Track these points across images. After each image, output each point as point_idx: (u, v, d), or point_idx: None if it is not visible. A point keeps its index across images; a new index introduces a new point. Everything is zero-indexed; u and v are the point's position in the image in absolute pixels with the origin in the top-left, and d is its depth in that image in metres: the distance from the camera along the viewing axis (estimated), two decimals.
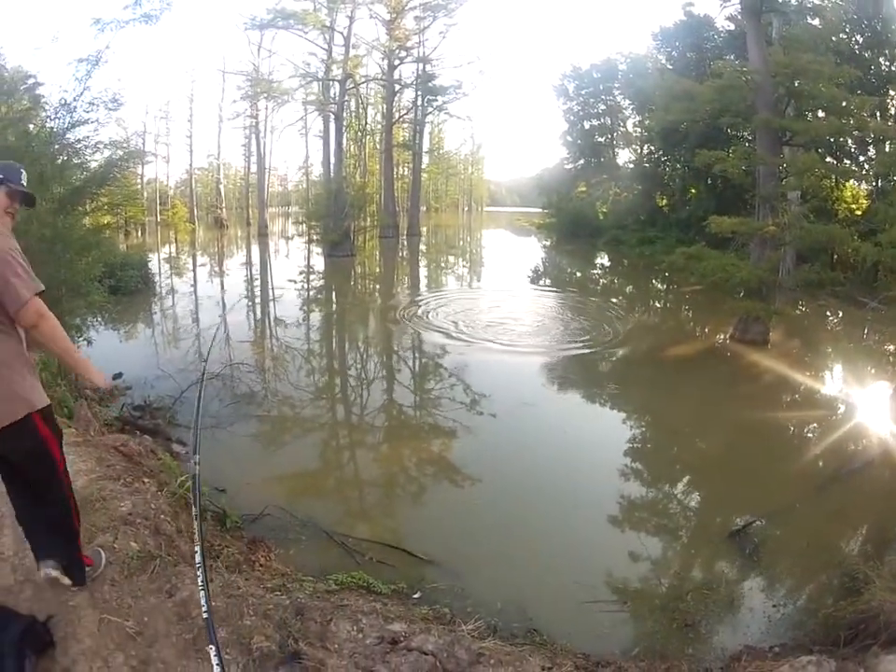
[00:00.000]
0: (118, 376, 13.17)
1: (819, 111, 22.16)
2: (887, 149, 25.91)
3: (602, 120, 57.14)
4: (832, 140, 24.01)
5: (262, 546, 7.45)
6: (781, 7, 21.31)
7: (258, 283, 33.02)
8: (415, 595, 7.06)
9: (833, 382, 17.60)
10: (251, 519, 8.20)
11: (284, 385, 14.68)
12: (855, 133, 23.48)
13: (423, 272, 39.48)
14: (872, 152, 30.51)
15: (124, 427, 10.38)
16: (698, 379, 16.87)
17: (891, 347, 18.21)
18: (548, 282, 35.32)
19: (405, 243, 52.66)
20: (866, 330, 22.38)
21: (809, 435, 13.95)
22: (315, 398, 14.39)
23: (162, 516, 5.94)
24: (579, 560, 8.22)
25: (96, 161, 12.79)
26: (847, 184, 31.65)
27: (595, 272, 42.51)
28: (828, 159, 27.55)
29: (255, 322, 22.68)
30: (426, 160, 66.64)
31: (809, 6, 24.47)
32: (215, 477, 9.23)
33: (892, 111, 29.28)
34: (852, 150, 30.60)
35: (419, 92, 53.79)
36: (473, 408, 13.67)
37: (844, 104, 19.42)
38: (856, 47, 31.57)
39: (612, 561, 8.25)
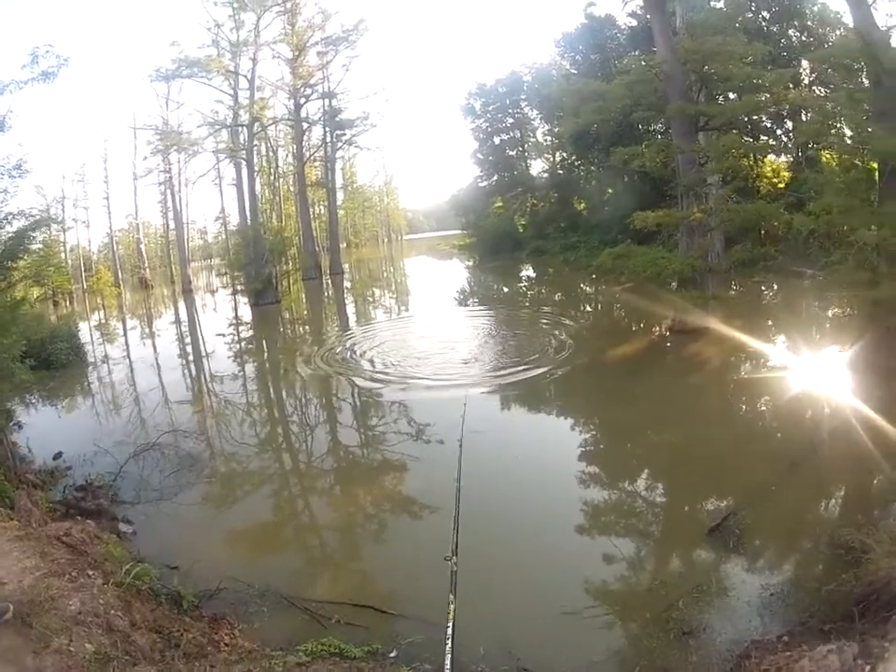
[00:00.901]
0: (57, 456, 12.62)
1: (731, 92, 22.44)
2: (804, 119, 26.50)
3: (511, 134, 57.61)
4: (746, 119, 24.27)
5: (225, 623, 6.86)
6: None
7: (188, 341, 32.03)
8: (392, 654, 6.59)
9: (782, 356, 17.46)
10: (208, 595, 7.55)
11: (224, 445, 14.04)
12: (772, 108, 23.72)
13: (350, 309, 38.96)
14: (789, 125, 31.30)
15: (68, 510, 9.68)
16: (647, 377, 16.59)
17: (835, 312, 18.10)
18: (476, 301, 35.35)
19: (329, 282, 52.11)
20: (807, 300, 22.65)
21: (769, 413, 13.98)
22: (257, 454, 13.73)
23: (113, 611, 5.36)
24: (557, 584, 7.84)
25: (6, 233, 12.15)
26: (766, 160, 32.17)
27: (522, 284, 42.57)
28: (744, 139, 27.87)
29: (190, 381, 21.93)
30: (340, 196, 66.60)
31: None
32: (165, 553, 8.67)
33: (806, 81, 29.91)
34: (768, 126, 31.20)
35: (327, 128, 53.53)
36: (420, 440, 13.35)
37: (758, 80, 19.58)
38: (763, 23, 32.47)
39: (593, 579, 7.89)
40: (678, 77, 18.96)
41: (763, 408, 14.37)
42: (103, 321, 41.63)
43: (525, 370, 17.11)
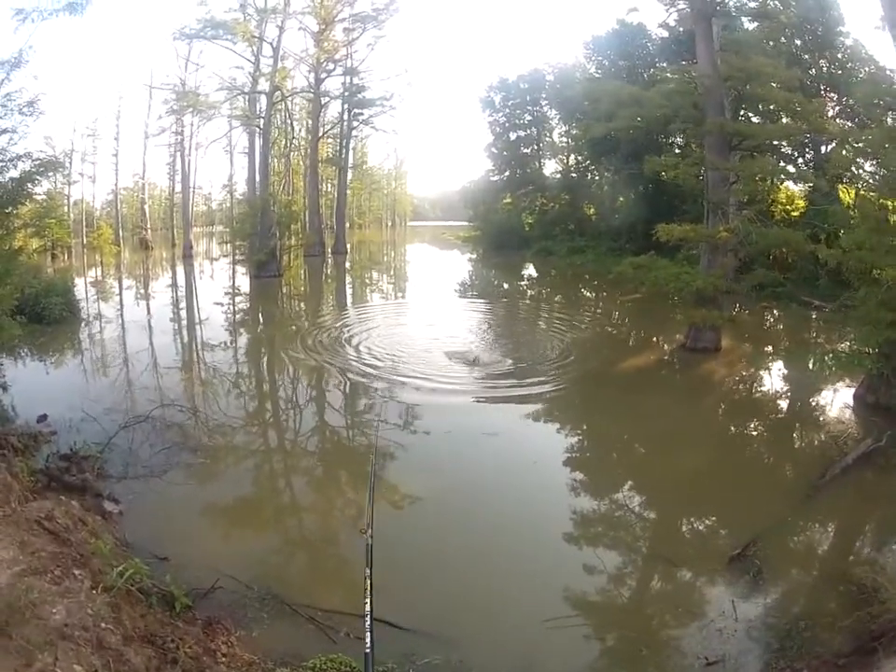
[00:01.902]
0: (42, 419, 12.06)
1: (759, 115, 22.15)
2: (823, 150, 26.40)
3: (528, 131, 56.96)
4: (773, 143, 23.97)
5: (221, 629, 6.39)
6: (728, 11, 21.04)
7: (184, 307, 31.42)
8: None
9: (794, 384, 17.43)
10: (202, 595, 7.04)
11: (218, 424, 13.32)
12: (808, 136, 23.46)
13: (352, 291, 38.77)
14: (809, 155, 31.04)
15: (50, 482, 9.07)
16: (658, 394, 16.20)
17: (845, 345, 17.84)
18: (477, 296, 34.84)
19: (331, 260, 51.77)
20: (816, 330, 22.61)
21: (782, 442, 13.73)
22: (252, 435, 13.28)
23: (104, 624, 4.84)
24: (576, 603, 7.57)
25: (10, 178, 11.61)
26: (782, 186, 31.86)
27: (526, 284, 42.45)
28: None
29: (187, 350, 21.45)
30: (350, 175, 65.63)
31: (753, 8, 24.32)
32: (155, 539, 8.17)
33: (830, 113, 29.63)
34: (788, 153, 30.91)
35: (346, 106, 53.15)
36: (419, 433, 13.00)
37: (797, 106, 19.19)
38: (796, 50, 32.01)
39: (616, 605, 7.73)
40: (717, 93, 18.61)
41: (776, 436, 14.10)
42: (100, 278, 40.96)
43: (523, 382, 16.38)
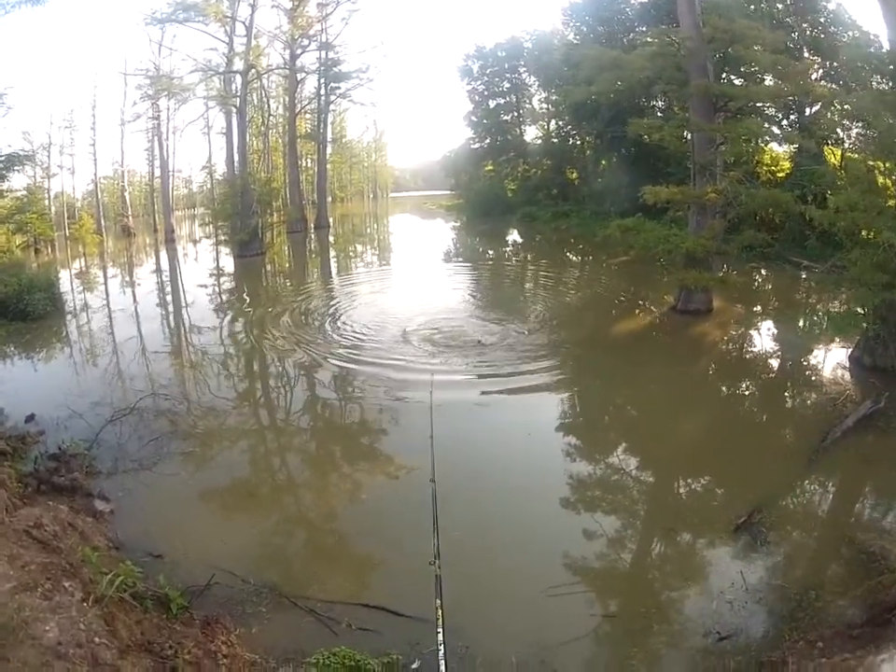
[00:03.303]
0: (30, 419, 11.88)
1: (747, 77, 22.01)
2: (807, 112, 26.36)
3: (507, 98, 56.67)
4: (757, 105, 23.73)
5: (220, 628, 6.26)
6: None
7: (170, 291, 31.24)
8: (414, 666, 6.11)
9: (788, 346, 17.32)
10: (198, 592, 6.90)
11: (207, 411, 13.10)
12: (792, 97, 23.28)
13: (336, 265, 38.41)
14: (793, 116, 30.89)
15: (39, 485, 8.93)
16: (653, 358, 16.18)
17: (837, 305, 17.82)
18: (469, 266, 33.90)
19: (313, 235, 51.19)
20: (806, 290, 22.91)
21: (780, 405, 13.77)
22: (244, 422, 12.98)
23: (97, 638, 4.69)
24: (581, 578, 7.60)
25: None
26: (766, 148, 31.71)
27: (511, 249, 42.35)
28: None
29: (171, 336, 21.15)
30: (329, 149, 65.08)
31: None
32: (147, 536, 8.07)
33: (814, 76, 29.44)
34: (774, 115, 30.73)
35: (322, 80, 52.48)
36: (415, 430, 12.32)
37: (782, 68, 19.01)
38: (778, 13, 31.86)
39: (624, 579, 7.76)
40: (700, 56, 18.41)
41: (775, 399, 14.10)
42: (83, 269, 40.40)
43: (515, 354, 16.13)
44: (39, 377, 16.30)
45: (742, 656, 6.23)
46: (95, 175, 57.01)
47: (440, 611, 4.66)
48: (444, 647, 4.32)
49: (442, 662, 4.11)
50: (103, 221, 55.93)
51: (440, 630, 4.43)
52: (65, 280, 31.94)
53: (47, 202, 51.18)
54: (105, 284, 33.94)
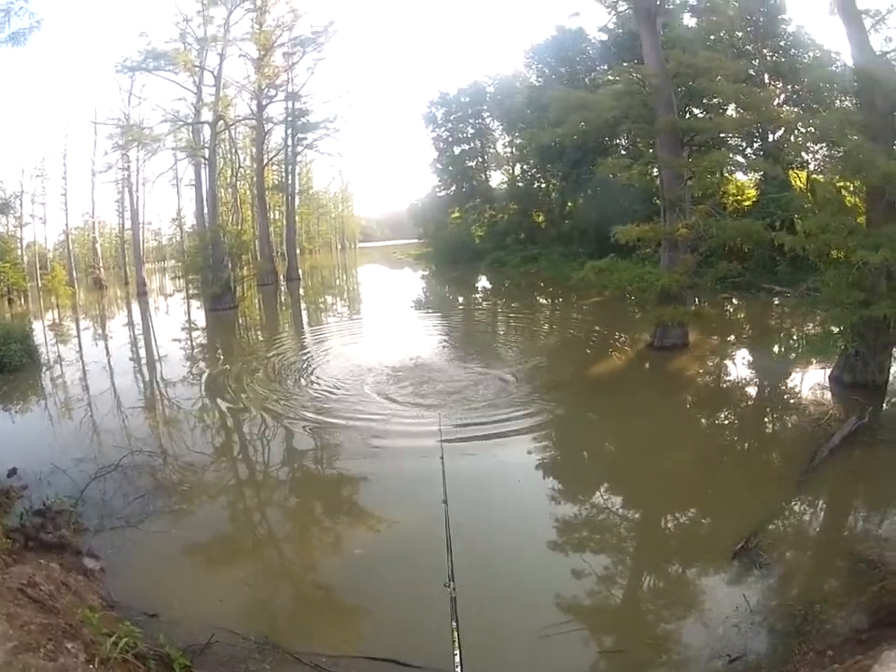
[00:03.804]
0: (12, 472, 11.58)
1: (709, 108, 22.48)
2: (770, 138, 26.91)
3: (472, 144, 57.54)
4: (722, 136, 24.24)
5: None
6: (672, 9, 21.34)
7: (146, 347, 30.52)
8: None
9: (767, 372, 17.51)
10: (198, 650, 6.68)
11: (185, 462, 12.91)
12: (759, 125, 23.81)
13: (305, 319, 38.41)
14: (757, 144, 31.51)
15: (27, 541, 8.66)
16: (635, 396, 16.21)
17: (811, 328, 18.09)
18: (439, 315, 33.95)
19: (284, 288, 51.35)
20: (778, 316, 23.22)
21: (765, 430, 13.94)
22: (228, 477, 12.74)
23: None
24: (582, 615, 7.46)
25: None
26: (731, 177, 32.30)
27: (481, 295, 42.45)
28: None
29: (150, 391, 20.66)
30: (297, 200, 65.47)
31: (693, 4, 24.70)
32: (140, 595, 7.79)
33: (776, 101, 30.12)
34: (738, 144, 31.34)
35: (289, 131, 53.21)
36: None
37: (746, 98, 19.50)
38: (738, 42, 32.63)
39: (625, 615, 7.66)
40: (665, 91, 18.74)
41: (760, 423, 14.29)
42: (57, 321, 40.11)
43: (491, 401, 15.85)
44: (18, 430, 16.03)
45: None
46: (66, 225, 57.37)
47: (455, 633, 4.53)
48: (462, 667, 4.20)
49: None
50: (74, 272, 55.91)
51: (456, 652, 4.30)
52: (39, 332, 31.59)
53: (19, 251, 51.03)
54: (79, 336, 33.66)
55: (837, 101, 17.94)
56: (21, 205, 51.44)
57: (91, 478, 11.16)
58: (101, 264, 59.12)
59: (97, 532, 9.65)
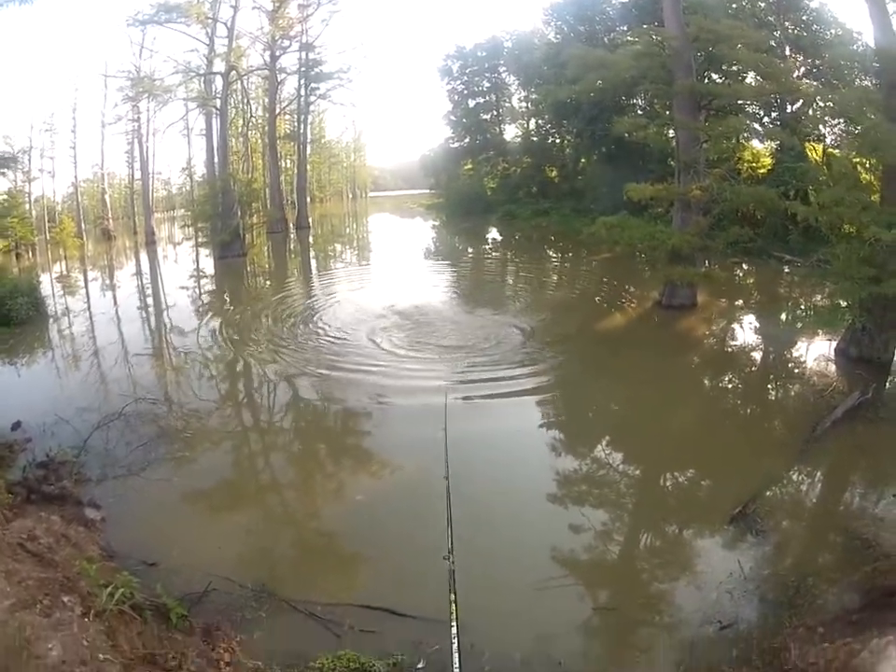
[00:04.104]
0: (16, 426, 11.67)
1: (729, 75, 22.22)
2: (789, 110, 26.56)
3: (487, 98, 56.72)
4: (740, 103, 23.90)
5: (221, 636, 6.18)
6: None
7: (151, 294, 30.42)
8: (419, 666, 6.06)
9: (774, 339, 17.48)
10: (196, 600, 6.79)
11: (193, 413, 12.94)
12: (777, 95, 23.48)
13: (320, 264, 38.18)
14: (774, 114, 31.07)
15: (29, 494, 8.79)
16: (641, 354, 16.14)
17: (820, 299, 18.00)
18: (449, 265, 33.97)
19: (294, 236, 51.10)
20: (789, 284, 23.03)
21: (769, 397, 13.99)
22: (230, 423, 12.86)
23: (101, 655, 4.58)
24: (579, 571, 7.63)
25: None
26: (747, 144, 31.90)
27: (491, 247, 42.22)
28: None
29: (155, 339, 20.85)
30: (309, 150, 64.88)
31: None
32: (140, 543, 7.91)
33: (796, 74, 29.65)
34: (756, 112, 30.90)
35: (302, 81, 52.38)
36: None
37: (767, 68, 19.22)
38: (761, 13, 32.10)
39: (620, 573, 7.83)
40: (685, 55, 18.56)
41: (764, 389, 14.33)
42: (64, 273, 39.78)
43: (500, 352, 16.06)
44: (24, 383, 16.08)
45: (744, 644, 6.29)
46: (75, 178, 56.65)
47: (454, 606, 4.62)
48: (458, 641, 4.24)
49: (456, 655, 4.01)
50: (83, 224, 55.55)
51: (453, 624, 4.37)
52: (47, 284, 31.36)
53: (27, 206, 50.83)
54: (87, 287, 33.57)
55: (857, 79, 17.62)
56: (29, 160, 51.12)
57: (94, 427, 11.18)
58: (110, 215, 58.76)
59: (99, 482, 9.76)
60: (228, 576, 7.17)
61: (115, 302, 27.64)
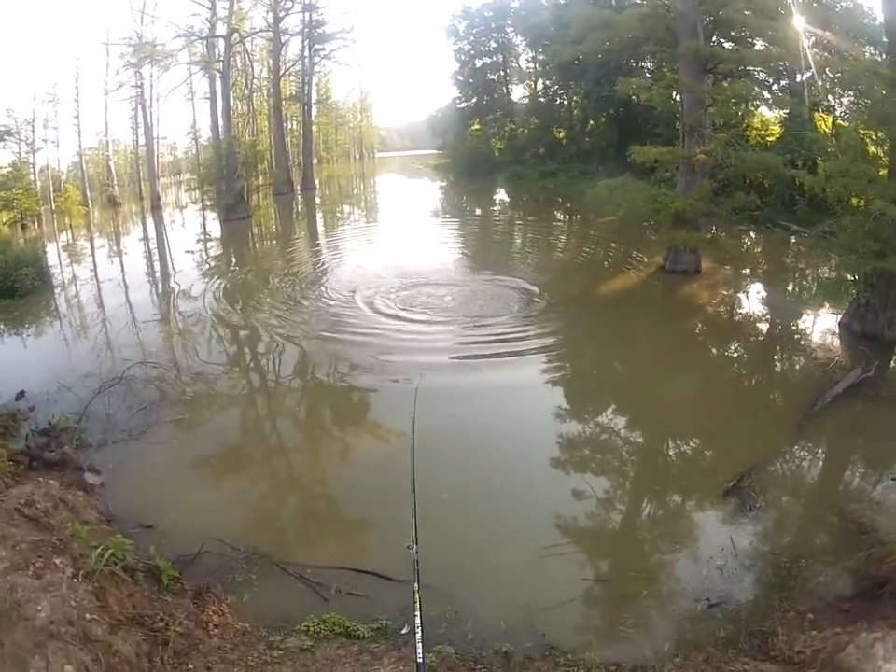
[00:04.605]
0: (20, 396, 11.74)
1: (737, 41, 21.91)
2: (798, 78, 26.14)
3: (494, 58, 56.01)
4: (747, 69, 23.58)
5: (211, 597, 6.28)
6: None
7: (157, 259, 30.46)
8: (403, 631, 6.12)
9: (777, 309, 17.29)
10: (188, 562, 6.94)
11: (195, 377, 13.05)
12: (783, 62, 23.09)
13: (324, 226, 38.43)
14: (784, 82, 30.59)
15: (31, 462, 8.92)
16: (643, 318, 16.26)
17: (826, 270, 17.98)
18: (457, 223, 34.40)
19: (300, 197, 50.87)
20: (795, 255, 22.79)
21: (769, 368, 13.82)
22: (231, 387, 12.84)
23: (88, 615, 4.69)
24: (570, 540, 7.66)
25: None
26: (756, 111, 31.50)
27: (499, 207, 42.25)
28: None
29: (157, 303, 20.86)
30: (314, 111, 64.37)
31: None
32: (138, 507, 8.05)
33: (806, 43, 29.21)
34: (764, 80, 30.44)
35: (306, 42, 51.69)
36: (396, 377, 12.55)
37: (773, 33, 18.94)
38: None
39: (610, 544, 7.83)
40: (690, 17, 18.25)
41: (765, 360, 14.21)
42: (70, 242, 39.95)
43: (504, 312, 16.22)
44: (29, 353, 16.09)
45: (732, 625, 6.28)
46: (80, 146, 56.27)
47: (417, 595, 4.60)
48: (423, 630, 4.20)
49: (420, 645, 4.04)
50: (88, 192, 55.36)
51: (417, 614, 4.36)
52: (52, 254, 31.35)
53: (32, 176, 50.72)
54: (93, 255, 33.35)
55: (867, 52, 17.36)
56: (33, 131, 50.91)
57: (95, 392, 11.30)
58: (115, 182, 58.51)
59: (99, 447, 9.91)
60: (222, 538, 7.29)
61: (121, 269, 27.46)
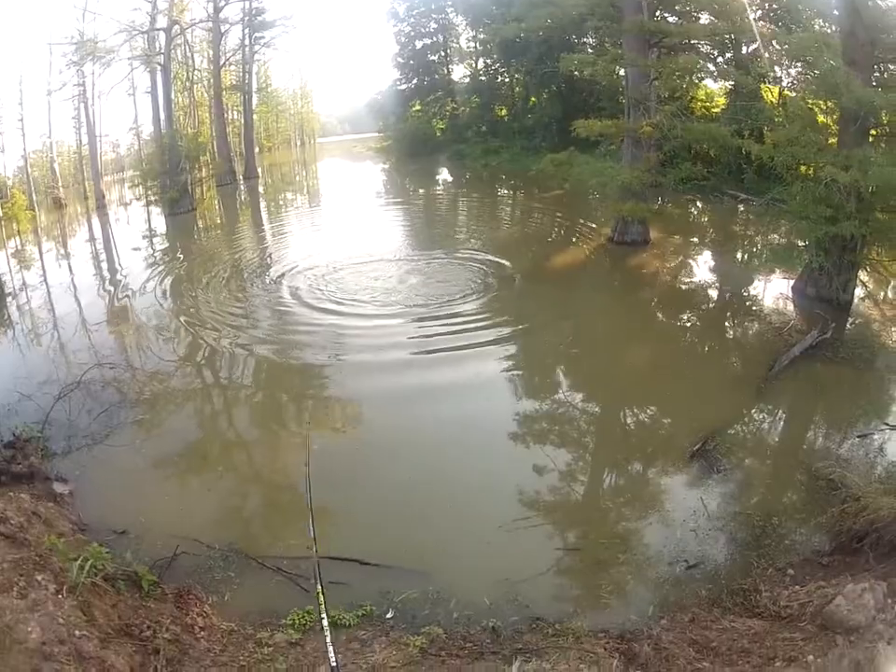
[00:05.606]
0: None
1: (682, 15, 22.07)
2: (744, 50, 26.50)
3: (434, 39, 55.79)
4: (692, 42, 23.71)
5: (193, 600, 6.26)
6: None
7: (104, 259, 30.25)
8: (388, 616, 6.20)
9: (729, 276, 17.56)
10: (166, 565, 6.88)
11: (151, 375, 12.84)
12: (729, 35, 23.30)
13: (268, 214, 38.56)
14: (729, 54, 30.83)
15: (0, 477, 8.67)
16: (594, 290, 16.52)
17: (775, 237, 18.21)
18: (401, 204, 34.11)
19: (243, 187, 50.23)
20: (741, 223, 23.16)
21: (725, 334, 14.19)
22: (187, 383, 12.77)
23: (77, 632, 4.63)
24: (541, 513, 7.77)
25: None
26: (700, 84, 31.78)
27: (442, 187, 42.52)
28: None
29: (109, 302, 20.28)
30: (255, 100, 63.73)
31: None
32: (108, 513, 7.97)
33: (752, 16, 29.50)
34: (709, 52, 30.66)
35: (246, 31, 50.96)
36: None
37: (719, 7, 19.08)
38: None
39: (582, 513, 7.95)
40: None
41: (721, 326, 14.51)
42: (19, 248, 38.61)
43: (450, 291, 16.12)
44: None
45: (713, 584, 6.42)
46: (24, 150, 55.24)
47: (322, 597, 4.64)
48: (331, 632, 4.26)
49: (331, 647, 4.08)
50: (34, 196, 54.35)
51: (323, 616, 4.40)
52: (2, 261, 30.45)
53: None
54: (42, 259, 32.36)
55: (816, 25, 17.59)
56: None
57: (56, 399, 11.02)
58: (60, 183, 57.45)
59: (65, 454, 9.71)
60: (196, 538, 7.24)
61: (70, 272, 26.96)
